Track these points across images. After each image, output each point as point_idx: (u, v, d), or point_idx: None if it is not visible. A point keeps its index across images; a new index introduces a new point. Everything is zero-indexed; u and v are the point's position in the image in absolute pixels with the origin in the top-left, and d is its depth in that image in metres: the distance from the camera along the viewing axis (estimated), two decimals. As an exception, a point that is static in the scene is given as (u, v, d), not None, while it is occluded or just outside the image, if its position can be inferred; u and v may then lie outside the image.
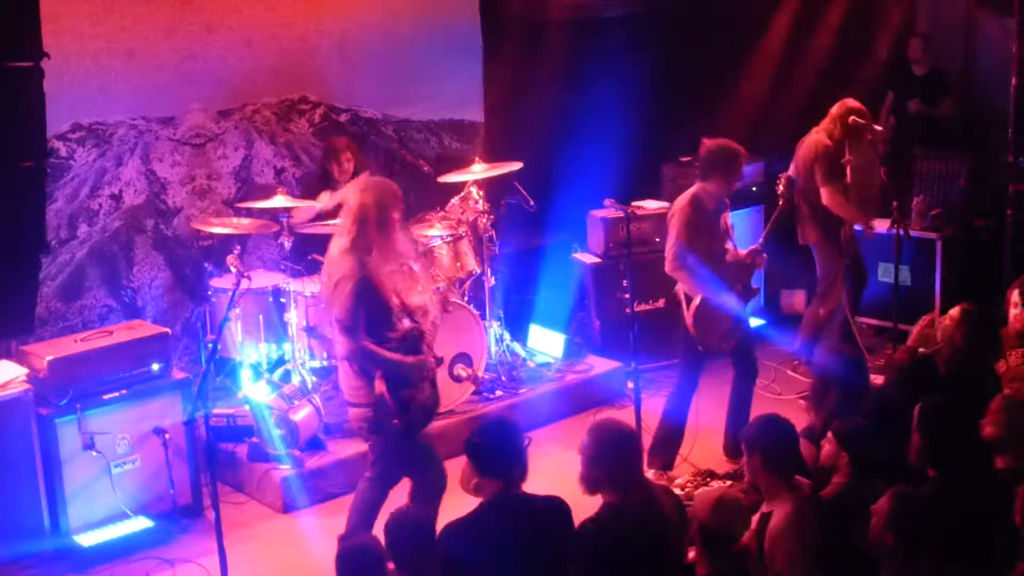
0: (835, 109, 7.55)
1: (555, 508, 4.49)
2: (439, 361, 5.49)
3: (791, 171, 7.77)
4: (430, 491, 5.42)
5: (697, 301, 6.21)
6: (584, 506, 4.56)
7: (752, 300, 6.64)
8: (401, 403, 5.20)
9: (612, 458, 4.40)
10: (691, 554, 4.39)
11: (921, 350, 6.13)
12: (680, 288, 6.33)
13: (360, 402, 5.28)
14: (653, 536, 4.31)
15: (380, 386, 5.16)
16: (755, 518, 4.59)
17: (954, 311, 5.89)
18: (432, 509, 5.27)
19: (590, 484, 4.43)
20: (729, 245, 6.43)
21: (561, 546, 4.36)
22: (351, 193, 5.36)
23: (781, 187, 6.56)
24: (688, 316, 6.25)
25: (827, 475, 4.80)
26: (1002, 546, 4.34)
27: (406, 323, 5.31)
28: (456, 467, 6.39)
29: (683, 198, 6.33)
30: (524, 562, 4.26)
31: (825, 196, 7.42)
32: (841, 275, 7.74)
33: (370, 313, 5.16)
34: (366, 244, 5.21)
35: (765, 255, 6.49)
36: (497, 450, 4.46)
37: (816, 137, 7.54)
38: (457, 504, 5.80)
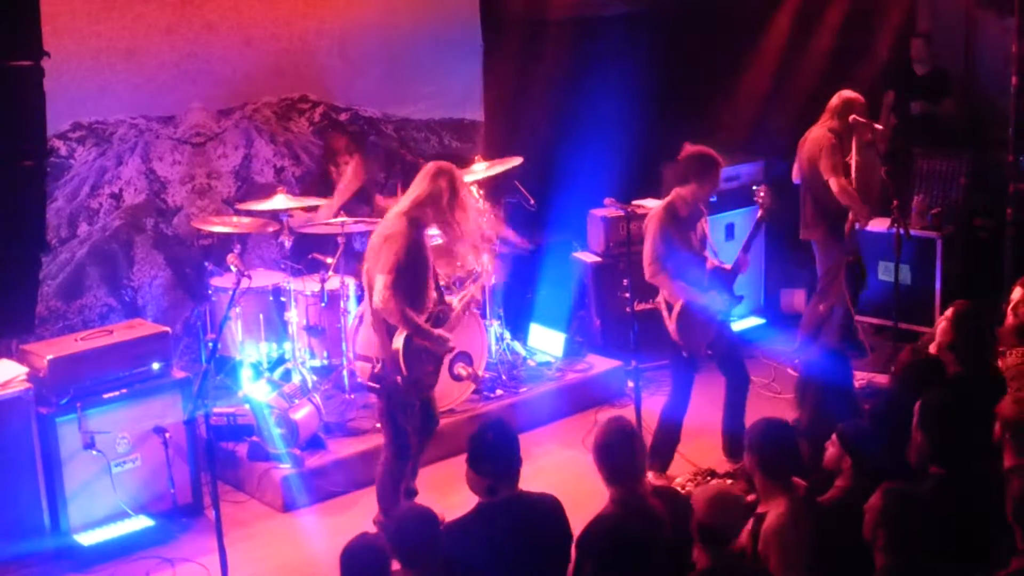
0: (833, 101, 7.59)
1: (549, 505, 4.51)
2: (451, 348, 5.77)
3: (795, 170, 7.79)
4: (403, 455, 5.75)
5: (678, 307, 6.20)
6: (584, 505, 4.56)
7: (735, 306, 6.60)
8: (408, 365, 5.45)
9: (610, 455, 4.44)
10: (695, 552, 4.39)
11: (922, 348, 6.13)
12: (662, 297, 6.33)
13: (369, 356, 5.56)
14: (647, 546, 4.30)
15: (399, 341, 5.42)
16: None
17: (948, 311, 5.89)
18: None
19: (604, 481, 4.48)
20: (707, 253, 6.43)
21: (556, 543, 4.37)
22: (420, 179, 5.59)
23: (761, 197, 6.56)
24: (671, 323, 6.25)
25: (830, 478, 4.79)
26: (999, 543, 4.34)
27: (436, 299, 5.67)
28: (454, 466, 6.43)
29: (658, 205, 6.37)
30: (521, 560, 4.26)
31: (835, 187, 7.43)
32: (842, 271, 7.74)
33: (409, 276, 5.43)
34: (424, 217, 5.51)
35: (747, 257, 6.49)
36: (492, 450, 4.46)
37: (820, 132, 7.56)
38: (459, 504, 5.82)
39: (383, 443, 5.80)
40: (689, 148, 6.35)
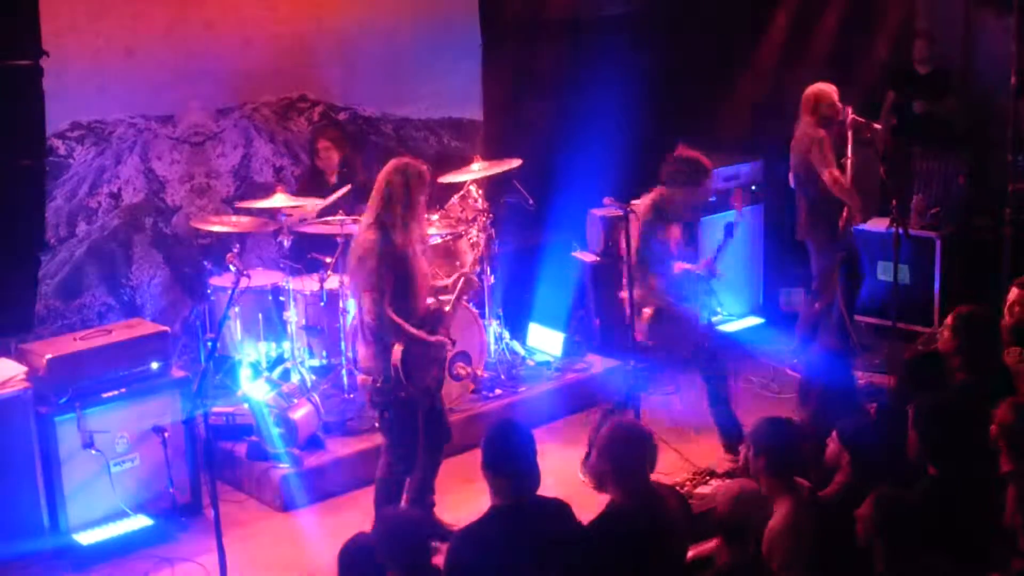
0: (804, 98, 7.60)
1: (560, 509, 4.48)
2: (453, 343, 5.70)
3: (791, 175, 7.79)
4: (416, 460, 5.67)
5: (649, 310, 6.21)
6: (583, 504, 4.56)
7: (710, 305, 6.59)
8: (409, 377, 5.37)
9: (621, 456, 4.40)
10: (708, 545, 4.39)
11: (922, 348, 6.13)
12: (636, 293, 6.25)
13: (368, 369, 5.48)
14: (657, 538, 4.31)
15: (396, 356, 5.32)
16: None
17: (949, 318, 5.88)
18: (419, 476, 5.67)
19: (597, 477, 4.46)
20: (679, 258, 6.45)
21: (566, 548, 4.36)
22: (383, 171, 5.50)
23: (738, 200, 6.59)
24: (640, 322, 6.22)
25: (830, 474, 4.80)
26: (998, 544, 4.34)
27: (429, 302, 5.55)
28: (453, 466, 6.42)
29: (644, 201, 6.37)
30: (532, 564, 4.25)
31: (827, 178, 7.43)
32: (836, 269, 7.74)
33: (394, 286, 5.33)
34: (391, 220, 5.36)
35: (718, 269, 6.49)
36: (509, 451, 4.44)
37: (805, 129, 7.57)
38: (458, 503, 5.82)
39: (383, 451, 5.71)
40: (683, 151, 6.33)
